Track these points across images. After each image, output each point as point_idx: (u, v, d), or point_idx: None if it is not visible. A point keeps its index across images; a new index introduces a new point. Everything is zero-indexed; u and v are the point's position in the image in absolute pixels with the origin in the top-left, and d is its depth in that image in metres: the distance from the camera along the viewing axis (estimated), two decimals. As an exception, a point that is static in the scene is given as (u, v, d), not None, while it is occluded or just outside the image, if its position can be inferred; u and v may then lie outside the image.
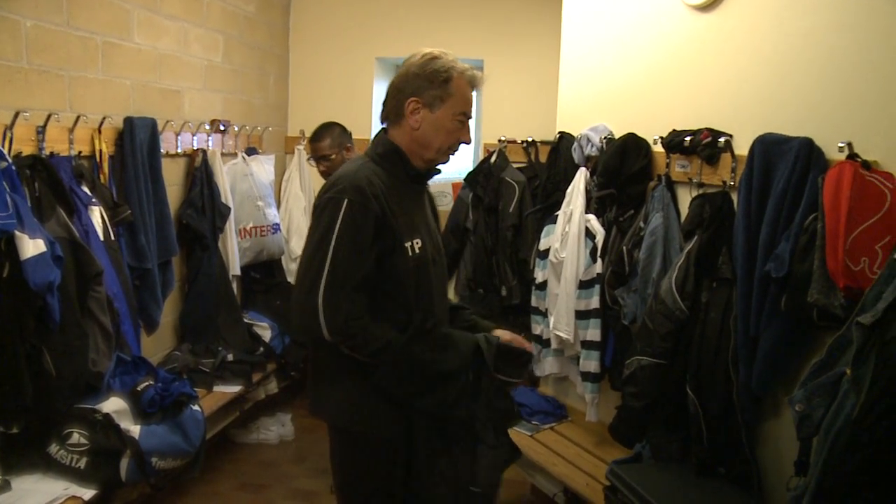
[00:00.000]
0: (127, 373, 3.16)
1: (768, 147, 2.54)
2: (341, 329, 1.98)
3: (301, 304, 2.00)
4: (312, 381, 2.24)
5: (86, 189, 3.15)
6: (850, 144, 2.31)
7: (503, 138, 4.94)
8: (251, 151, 4.82)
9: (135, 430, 2.95)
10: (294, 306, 2.04)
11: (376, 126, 5.48)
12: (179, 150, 4.07)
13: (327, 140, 3.87)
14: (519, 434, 3.56)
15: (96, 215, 3.14)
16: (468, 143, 2.22)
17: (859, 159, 2.28)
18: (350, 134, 4.00)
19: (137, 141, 3.49)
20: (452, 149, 2.20)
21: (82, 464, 2.77)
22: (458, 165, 5.41)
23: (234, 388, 3.98)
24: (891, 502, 1.67)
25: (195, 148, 4.21)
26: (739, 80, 2.90)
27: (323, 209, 2.02)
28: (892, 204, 2.20)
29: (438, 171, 2.29)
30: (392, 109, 2.16)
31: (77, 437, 2.80)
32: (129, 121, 3.48)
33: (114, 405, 2.98)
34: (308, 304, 1.98)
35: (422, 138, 2.15)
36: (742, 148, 2.72)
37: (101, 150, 3.33)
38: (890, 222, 2.18)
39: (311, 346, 2.23)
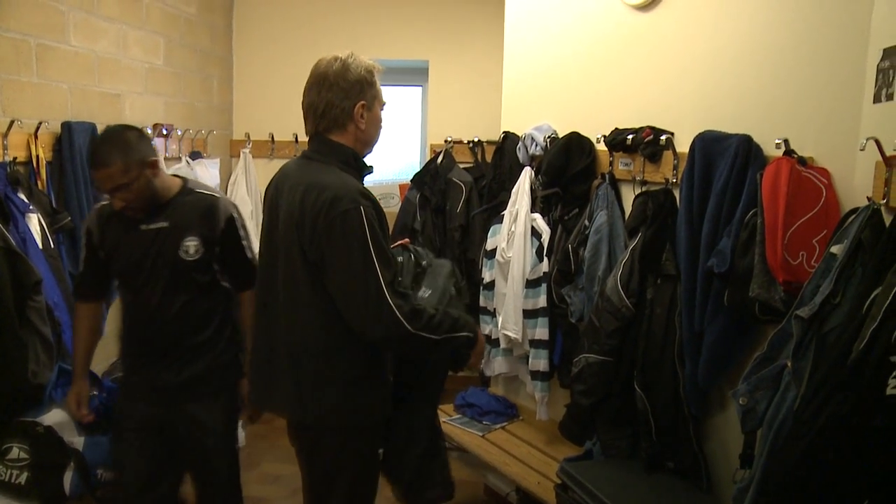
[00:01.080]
0: (70, 383, 3.08)
1: (708, 144, 2.57)
2: (417, 316, 2.12)
3: (378, 315, 2.07)
4: (311, 393, 2.23)
5: (22, 196, 3.06)
6: (786, 141, 2.35)
7: (449, 139, 4.96)
8: (195, 155, 4.75)
9: (78, 441, 2.88)
10: (371, 321, 2.08)
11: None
12: (121, 156, 3.99)
13: (117, 163, 2.41)
14: (470, 434, 3.56)
15: (34, 223, 3.06)
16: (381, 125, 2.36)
17: (796, 155, 2.32)
18: (149, 139, 2.59)
19: (76, 146, 3.41)
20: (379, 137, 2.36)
21: (23, 479, 2.69)
22: (405, 166, 5.41)
23: (183, 396, 3.91)
24: (833, 491, 1.70)
25: (137, 153, 4.13)
26: (679, 78, 2.93)
27: (343, 223, 2.06)
28: (828, 199, 2.24)
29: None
30: (336, 118, 2.20)
31: (17, 451, 2.72)
32: (66, 126, 3.40)
33: (56, 417, 2.89)
34: (384, 311, 2.06)
35: (365, 137, 2.26)
36: (683, 145, 2.75)
37: (38, 156, 3.24)
38: (826, 217, 2.22)
39: (311, 359, 2.21)
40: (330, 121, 2.21)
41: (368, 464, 2.38)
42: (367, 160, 2.32)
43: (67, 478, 2.78)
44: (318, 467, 2.36)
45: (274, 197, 2.26)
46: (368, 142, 2.28)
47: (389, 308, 2.06)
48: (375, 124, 2.28)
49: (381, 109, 2.30)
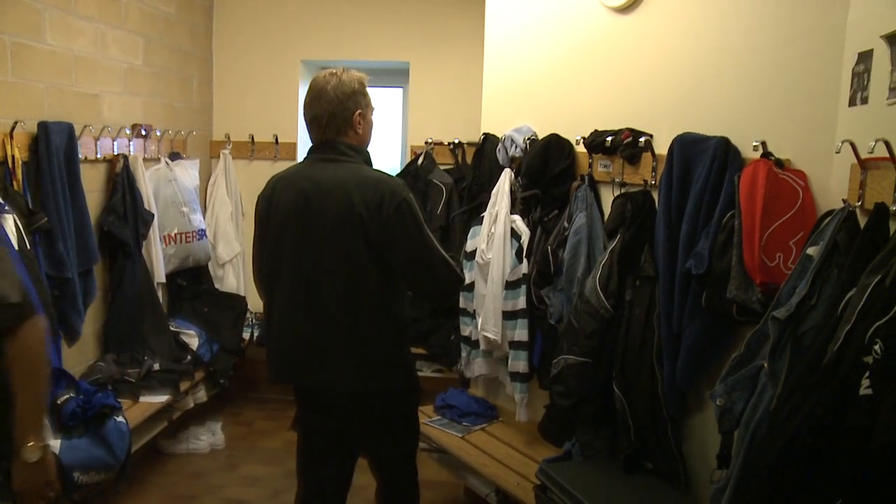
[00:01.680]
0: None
1: (687, 146, 2.59)
2: (461, 269, 2.65)
3: (450, 275, 2.52)
4: (379, 363, 2.54)
5: (-3, 197, 3.05)
6: (763, 143, 2.37)
7: (430, 140, 4.96)
8: (175, 156, 4.73)
9: (55, 444, 2.86)
10: (441, 281, 2.52)
11: (303, 128, 5.42)
12: (99, 156, 3.97)
13: None
14: (450, 436, 3.56)
15: (9, 223, 3.04)
16: None
17: (773, 158, 2.34)
18: None
19: (53, 146, 3.39)
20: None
21: (-3, 482, 2.67)
22: (386, 167, 5.39)
23: (161, 398, 3.90)
24: (808, 490, 1.71)
25: (116, 153, 4.11)
26: (658, 80, 2.95)
27: (408, 209, 2.43)
28: (805, 201, 2.26)
29: None
30: (339, 126, 2.53)
31: (-8, 454, 2.69)
32: (43, 125, 3.37)
33: (32, 420, 2.88)
34: (453, 273, 2.53)
35: (363, 139, 2.62)
36: (662, 147, 2.77)
37: (13, 156, 3.22)
38: (802, 219, 2.24)
39: (379, 333, 2.52)
40: (334, 129, 2.53)
41: (416, 418, 2.80)
42: None
43: (43, 481, 2.75)
44: (382, 428, 2.66)
45: (298, 200, 2.49)
46: (365, 143, 2.63)
47: (451, 266, 2.51)
48: (369, 127, 2.64)
49: (372, 114, 2.64)
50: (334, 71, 2.54)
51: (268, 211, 2.58)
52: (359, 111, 2.54)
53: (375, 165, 2.62)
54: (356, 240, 2.40)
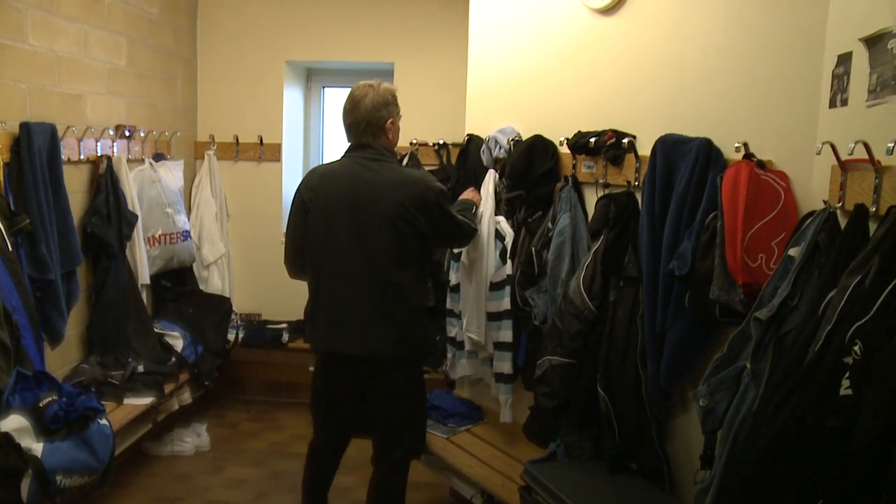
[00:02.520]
0: (28, 388, 3.04)
1: (670, 147, 2.59)
2: (473, 220, 3.40)
3: (467, 231, 3.29)
4: (410, 328, 3.08)
5: (-21, 198, 3.02)
6: (745, 144, 2.37)
7: (415, 141, 4.96)
8: (159, 157, 4.71)
9: (37, 447, 2.84)
10: (466, 236, 3.33)
11: (287, 130, 5.44)
12: (82, 157, 3.95)
13: None
14: (435, 437, 3.56)
15: (-9, 225, 3.02)
16: None
17: (755, 159, 2.35)
18: None
19: (35, 147, 3.37)
20: None
21: (-22, 486, 2.65)
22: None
23: (146, 400, 3.88)
24: (790, 490, 1.72)
25: (99, 154, 4.09)
26: (641, 81, 2.95)
27: (443, 199, 3.07)
28: (786, 202, 2.27)
29: None
30: (374, 132, 3.06)
31: (-28, 458, 2.67)
32: (25, 126, 3.35)
33: (14, 423, 2.85)
34: (469, 229, 3.29)
35: (394, 140, 3.16)
36: (645, 148, 2.78)
37: (-6, 157, 3.20)
38: (784, 220, 2.25)
39: (400, 306, 3.04)
40: (370, 134, 3.05)
41: (421, 379, 3.30)
42: None
43: (25, 485, 2.73)
44: (411, 386, 3.22)
45: (348, 193, 2.99)
46: (394, 145, 3.18)
47: (466, 226, 3.26)
48: (398, 133, 3.18)
49: (400, 120, 3.18)
50: (371, 83, 3.08)
51: (313, 199, 3.05)
52: (390, 119, 3.08)
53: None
54: (403, 229, 2.95)
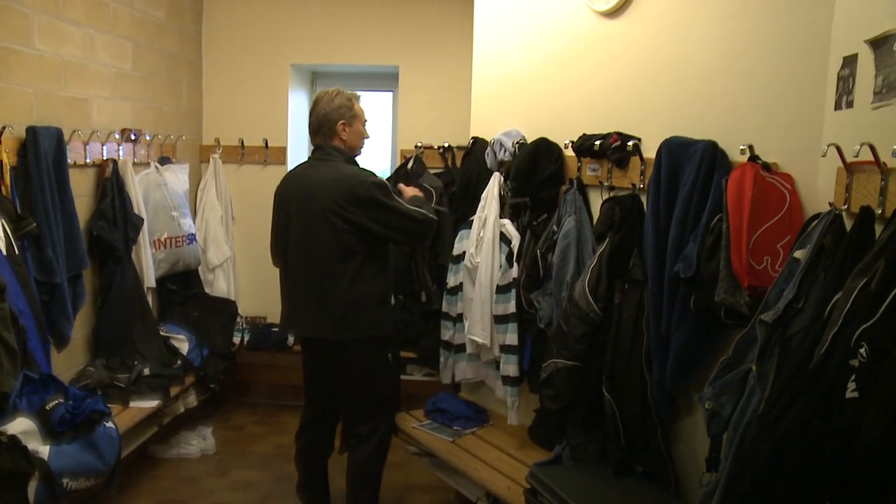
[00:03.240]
0: (35, 391, 3.04)
1: (675, 150, 2.59)
2: (428, 210, 3.35)
3: (418, 223, 3.28)
4: (348, 315, 3.23)
5: (-14, 202, 3.03)
6: (750, 147, 2.37)
7: (420, 144, 4.96)
8: (164, 161, 4.72)
9: (44, 450, 2.84)
10: (418, 229, 3.31)
11: (293, 133, 5.45)
12: (88, 161, 3.96)
13: None
14: (440, 440, 3.56)
15: (-2, 229, 3.03)
16: (368, 137, 3.48)
17: (760, 161, 2.35)
18: None
19: (42, 151, 3.38)
20: (364, 144, 3.47)
21: (-15, 489, 2.66)
22: (376, 171, 5.39)
23: (152, 403, 3.88)
24: (796, 493, 1.72)
25: (105, 158, 4.10)
26: (646, 84, 2.95)
27: (376, 189, 3.18)
28: (792, 204, 2.26)
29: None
30: (326, 133, 3.32)
31: (-21, 461, 2.68)
32: (31, 130, 3.36)
33: (20, 426, 2.86)
34: (421, 220, 3.28)
35: (349, 145, 3.36)
36: (650, 151, 2.77)
37: (1, 161, 3.20)
38: (790, 222, 2.24)
39: (336, 295, 3.22)
40: (322, 136, 3.33)
41: (387, 364, 3.43)
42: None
43: (32, 488, 2.73)
44: (354, 369, 3.36)
45: (296, 192, 3.29)
46: (353, 148, 3.38)
47: (418, 217, 3.26)
48: (356, 136, 3.37)
49: (363, 126, 3.39)
50: (332, 89, 3.34)
51: (278, 198, 3.40)
52: (342, 121, 3.30)
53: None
54: (338, 222, 3.15)
